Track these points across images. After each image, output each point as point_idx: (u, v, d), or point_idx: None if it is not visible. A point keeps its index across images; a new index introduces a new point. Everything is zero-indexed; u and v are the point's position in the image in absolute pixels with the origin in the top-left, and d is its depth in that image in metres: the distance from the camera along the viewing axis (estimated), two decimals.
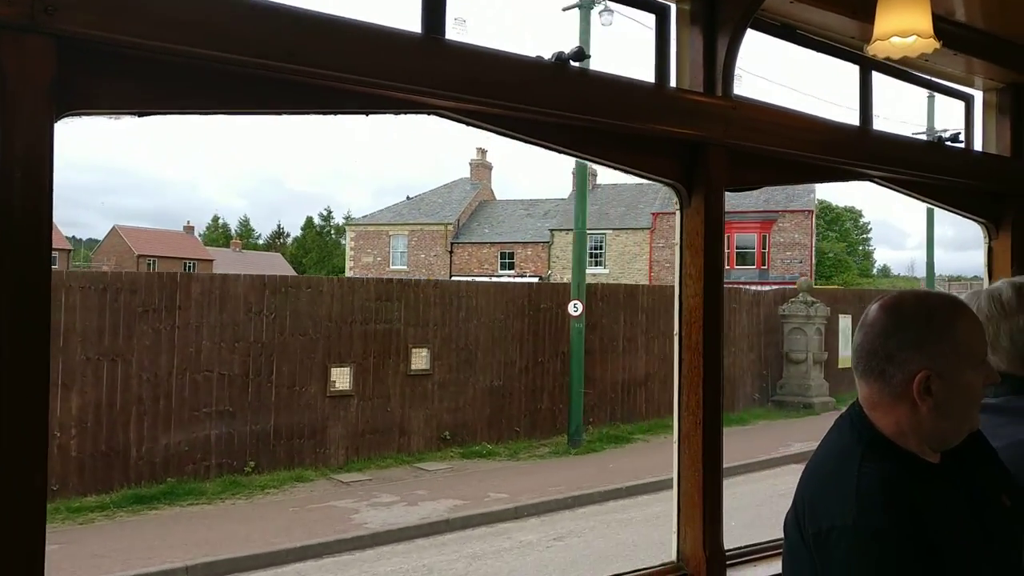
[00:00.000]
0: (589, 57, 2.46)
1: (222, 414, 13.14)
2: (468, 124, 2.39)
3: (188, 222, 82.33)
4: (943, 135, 3.52)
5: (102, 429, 12.09)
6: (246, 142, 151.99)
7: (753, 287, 27.70)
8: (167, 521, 11.46)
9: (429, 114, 2.33)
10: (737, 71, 2.83)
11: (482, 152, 56.69)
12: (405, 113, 2.29)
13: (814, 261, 48.04)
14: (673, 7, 2.79)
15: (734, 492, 13.02)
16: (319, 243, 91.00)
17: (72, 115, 1.81)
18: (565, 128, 2.54)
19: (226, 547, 10.32)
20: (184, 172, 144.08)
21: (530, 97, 2.39)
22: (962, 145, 3.63)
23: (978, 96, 3.82)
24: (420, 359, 15.93)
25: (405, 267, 51.23)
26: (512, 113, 2.40)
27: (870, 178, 3.34)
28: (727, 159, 2.76)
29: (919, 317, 1.82)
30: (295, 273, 49.78)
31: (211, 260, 71.15)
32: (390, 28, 2.17)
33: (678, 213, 2.79)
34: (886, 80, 3.48)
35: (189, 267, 65.26)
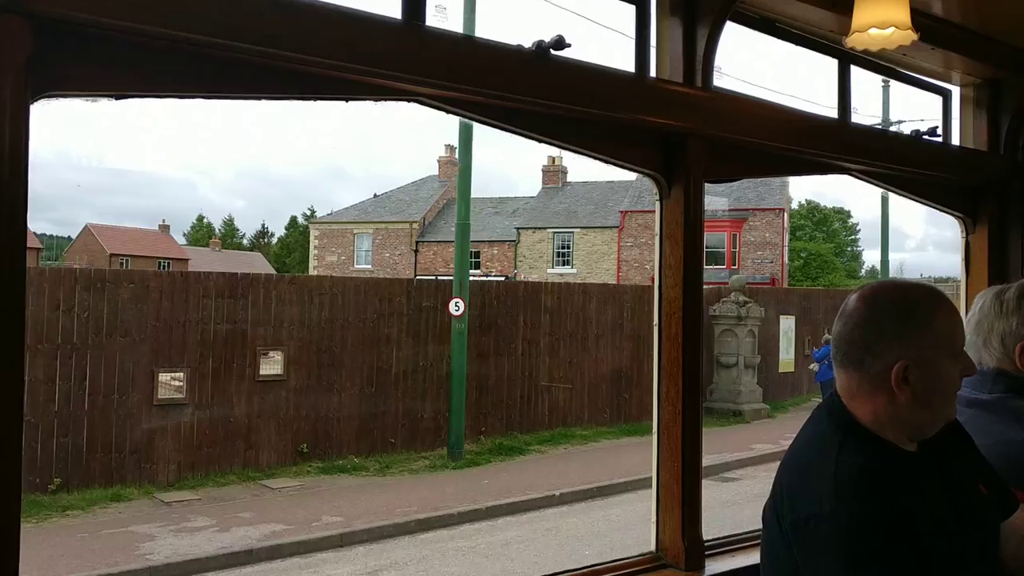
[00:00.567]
0: (570, 46, 2.49)
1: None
2: (449, 112, 2.42)
3: (163, 220, 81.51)
4: (920, 129, 3.59)
5: None
6: (247, 143, 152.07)
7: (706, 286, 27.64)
8: None
9: (410, 101, 2.36)
10: (716, 68, 2.89)
11: (451, 149, 56.62)
12: (386, 100, 2.32)
13: (787, 261, 48.38)
14: None
15: (594, 518, 12.83)
16: (302, 242, 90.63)
17: (47, 97, 1.82)
18: (545, 117, 2.58)
19: None
20: (182, 172, 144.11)
21: (511, 85, 2.42)
22: (940, 140, 3.72)
23: (956, 91, 3.91)
24: (272, 363, 14.65)
25: (370, 266, 51.09)
26: (492, 101, 2.43)
27: (848, 171, 3.41)
28: (706, 150, 2.82)
29: (898, 307, 1.86)
30: (275, 272, 49.47)
31: (187, 259, 70.56)
32: (371, 14, 2.19)
33: (657, 204, 2.84)
34: (860, 75, 3.55)
35: (164, 266, 64.71)
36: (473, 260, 49.73)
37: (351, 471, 14.76)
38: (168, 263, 68.50)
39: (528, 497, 13.36)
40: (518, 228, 50.18)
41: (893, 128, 26.24)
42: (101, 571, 9.83)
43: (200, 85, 2.04)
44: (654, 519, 2.83)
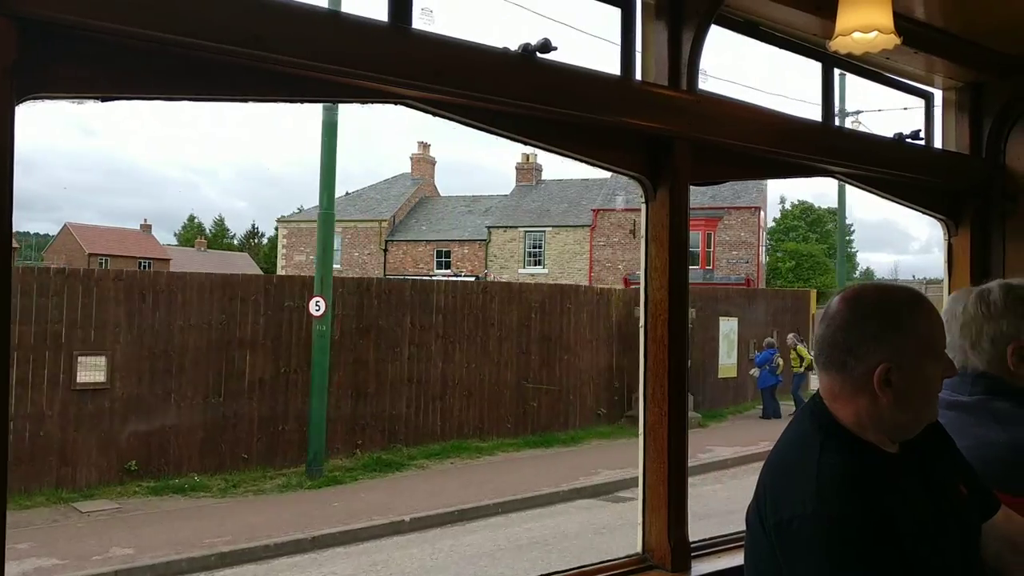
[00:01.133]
0: (556, 49, 2.54)
1: None
2: (435, 114, 2.46)
3: (144, 220, 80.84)
4: (903, 132, 3.68)
5: None
6: (248, 143, 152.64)
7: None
8: None
9: (396, 104, 2.39)
10: (702, 71, 2.95)
11: (424, 146, 56.54)
12: (373, 102, 2.36)
13: (764, 261, 48.58)
14: (639, 0, 2.89)
15: (439, 548, 11.43)
16: None
17: (33, 99, 1.84)
18: (532, 119, 2.63)
19: None
20: (184, 173, 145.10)
21: (497, 88, 2.46)
22: (922, 143, 3.81)
23: (938, 95, 4.01)
24: (91, 369, 13.23)
25: (339, 266, 50.88)
26: (479, 104, 2.48)
27: (832, 174, 3.49)
28: (692, 153, 2.87)
29: (880, 309, 1.90)
30: (261, 273, 49.20)
31: (168, 259, 70.03)
32: (357, 16, 2.22)
33: (643, 207, 2.89)
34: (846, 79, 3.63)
35: (144, 266, 64.24)
36: (444, 260, 50.13)
37: (188, 491, 13.43)
38: (149, 263, 68.19)
39: (371, 524, 12.00)
40: (489, 227, 50.17)
41: (849, 119, 26.52)
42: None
43: (186, 87, 2.06)
44: (640, 520, 2.88)
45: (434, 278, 35.72)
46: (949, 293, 3.86)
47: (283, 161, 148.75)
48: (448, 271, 48.23)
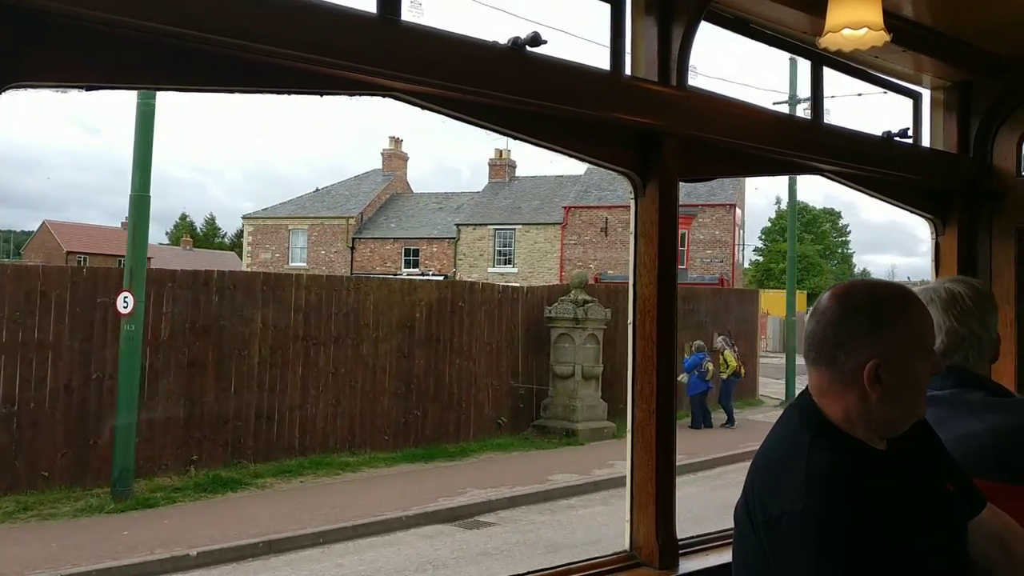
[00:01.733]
0: (546, 43, 2.56)
1: None
2: (424, 107, 2.47)
3: (126, 219, 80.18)
4: (891, 131, 3.73)
5: None
6: (251, 144, 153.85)
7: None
8: None
9: (385, 96, 2.41)
10: (691, 67, 2.98)
11: (396, 141, 56.38)
12: (361, 95, 2.37)
13: (739, 260, 48.75)
14: None
15: None
16: None
17: (16, 87, 1.84)
18: (520, 114, 2.65)
19: None
20: (191, 173, 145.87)
21: (486, 81, 2.48)
22: (910, 142, 3.87)
23: (926, 94, 4.07)
24: None
25: (304, 264, 50.61)
26: (468, 97, 2.50)
27: (821, 172, 3.54)
28: (681, 149, 2.91)
29: (870, 306, 1.93)
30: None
31: (150, 257, 69.37)
32: (345, 7, 2.23)
33: (632, 203, 2.92)
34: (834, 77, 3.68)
35: (123, 264, 63.64)
36: (412, 259, 49.99)
37: None
38: None
39: (147, 559, 10.21)
40: (458, 225, 50.10)
41: (801, 105, 26.52)
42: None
43: (172, 77, 2.07)
44: (628, 517, 2.92)
45: (399, 277, 35.55)
46: None
47: (291, 162, 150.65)
48: (416, 270, 48.11)
